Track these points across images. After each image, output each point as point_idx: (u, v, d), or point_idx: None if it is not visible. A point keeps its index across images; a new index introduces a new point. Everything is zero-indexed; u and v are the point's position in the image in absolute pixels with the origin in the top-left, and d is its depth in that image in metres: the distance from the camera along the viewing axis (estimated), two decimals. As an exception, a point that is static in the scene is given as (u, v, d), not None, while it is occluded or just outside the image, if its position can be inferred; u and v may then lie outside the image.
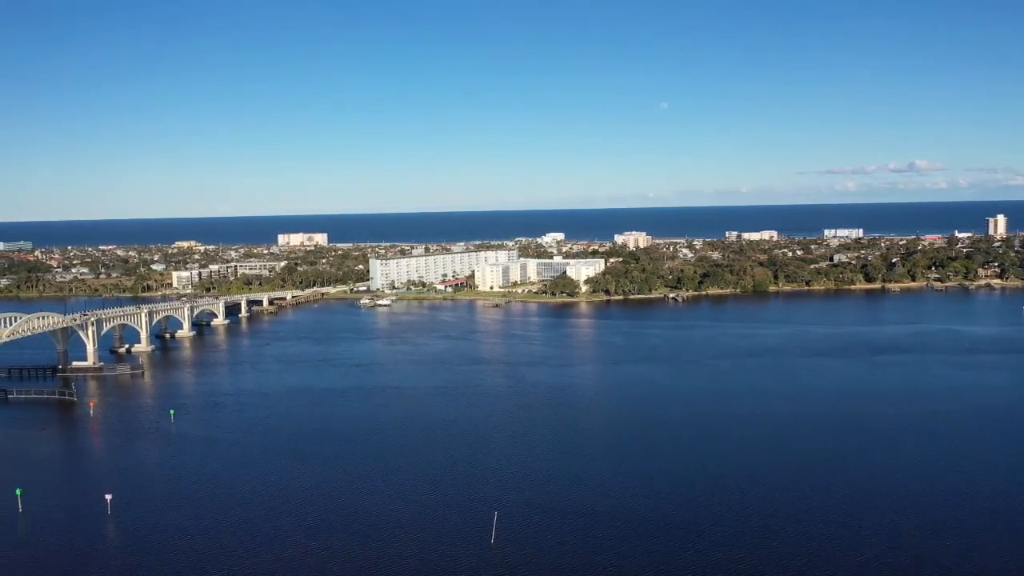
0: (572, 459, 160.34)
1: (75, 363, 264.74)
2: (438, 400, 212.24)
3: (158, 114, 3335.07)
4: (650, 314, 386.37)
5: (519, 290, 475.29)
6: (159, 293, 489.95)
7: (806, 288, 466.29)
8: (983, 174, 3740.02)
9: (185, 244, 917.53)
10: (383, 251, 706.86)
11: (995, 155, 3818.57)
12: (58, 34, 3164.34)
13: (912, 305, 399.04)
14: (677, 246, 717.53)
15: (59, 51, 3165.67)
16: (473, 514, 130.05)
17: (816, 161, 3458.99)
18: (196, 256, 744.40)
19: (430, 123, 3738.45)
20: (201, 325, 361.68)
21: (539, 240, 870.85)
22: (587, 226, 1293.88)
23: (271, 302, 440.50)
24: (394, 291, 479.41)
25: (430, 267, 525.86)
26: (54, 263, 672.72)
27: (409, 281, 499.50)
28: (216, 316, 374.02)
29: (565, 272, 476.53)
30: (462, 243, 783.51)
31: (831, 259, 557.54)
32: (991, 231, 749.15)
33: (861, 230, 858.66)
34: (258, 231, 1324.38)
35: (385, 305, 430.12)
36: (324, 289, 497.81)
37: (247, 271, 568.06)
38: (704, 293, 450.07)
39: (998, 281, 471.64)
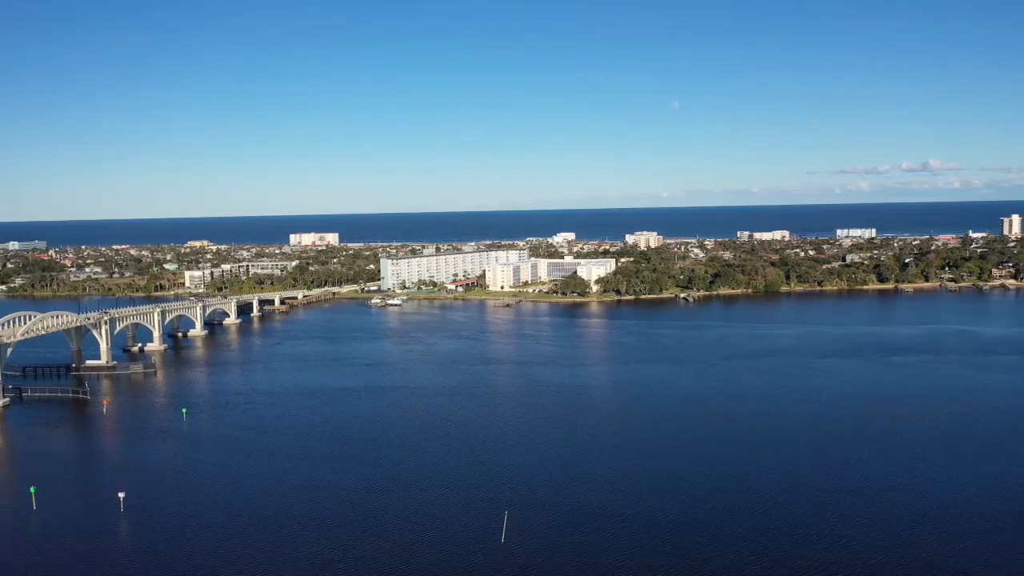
0: (582, 459, 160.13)
1: (88, 362, 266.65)
2: (449, 400, 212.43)
3: (171, 115, 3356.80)
4: (661, 314, 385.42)
5: (530, 290, 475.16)
6: (172, 292, 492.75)
7: (818, 288, 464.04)
8: (998, 174, 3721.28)
9: (198, 244, 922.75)
10: (394, 251, 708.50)
11: (1010, 155, 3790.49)
12: (75, 35, 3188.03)
13: (926, 306, 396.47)
14: (688, 246, 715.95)
15: (76, 52, 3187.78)
16: (483, 513, 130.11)
17: (828, 161, 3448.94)
18: (208, 256, 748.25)
19: (442, 123, 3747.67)
20: (213, 324, 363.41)
21: (550, 240, 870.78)
22: (598, 226, 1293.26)
23: (283, 301, 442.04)
24: (405, 291, 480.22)
25: (441, 267, 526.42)
26: (68, 262, 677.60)
27: (420, 281, 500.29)
28: (228, 315, 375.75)
29: (576, 272, 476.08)
30: (473, 243, 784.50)
31: (843, 259, 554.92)
32: (1006, 231, 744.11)
33: (874, 230, 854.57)
34: (270, 231, 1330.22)
35: (396, 305, 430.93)
36: (335, 289, 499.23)
37: (259, 271, 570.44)
38: (715, 293, 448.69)
39: (1013, 282, 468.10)
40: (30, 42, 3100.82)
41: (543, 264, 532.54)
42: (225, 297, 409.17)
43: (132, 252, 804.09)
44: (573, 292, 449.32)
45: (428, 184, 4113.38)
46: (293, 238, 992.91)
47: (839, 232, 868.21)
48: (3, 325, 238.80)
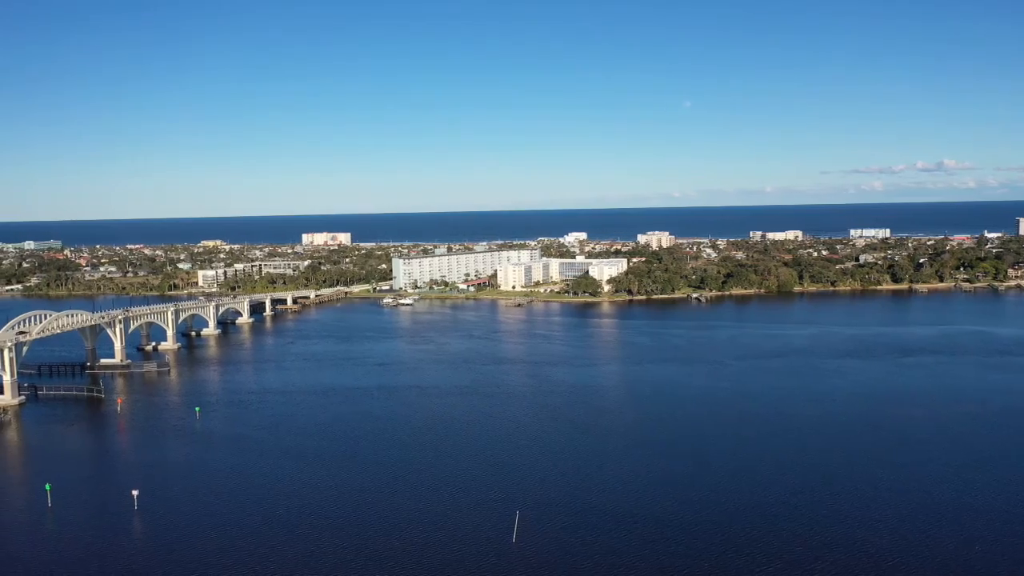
0: (594, 459, 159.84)
1: (103, 360, 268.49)
2: (460, 399, 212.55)
3: (185, 115, 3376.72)
4: (673, 314, 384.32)
5: (541, 290, 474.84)
6: (185, 292, 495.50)
7: (831, 289, 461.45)
8: (1013, 173, 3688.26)
9: (211, 243, 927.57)
10: (406, 250, 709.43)
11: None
12: (87, 35, 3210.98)
13: (940, 306, 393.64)
14: (700, 246, 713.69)
15: (88, 53, 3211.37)
16: (495, 513, 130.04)
17: (841, 160, 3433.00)
18: (221, 255, 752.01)
19: (454, 123, 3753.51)
20: (226, 323, 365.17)
21: (561, 240, 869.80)
22: (610, 226, 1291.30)
23: (295, 301, 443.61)
24: (417, 290, 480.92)
25: (452, 266, 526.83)
26: (83, 262, 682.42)
27: (432, 280, 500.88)
28: (241, 315, 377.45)
29: (588, 272, 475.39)
30: (484, 243, 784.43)
31: (857, 259, 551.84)
32: (1021, 231, 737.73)
33: (888, 230, 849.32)
34: (282, 230, 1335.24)
35: (408, 304, 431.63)
36: (347, 288, 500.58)
37: (271, 270, 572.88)
38: (728, 293, 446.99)
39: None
40: (42, 42, 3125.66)
41: (555, 264, 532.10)
42: (232, 297, 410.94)
43: (146, 252, 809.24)
44: (585, 292, 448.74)
45: (440, 184, 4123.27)
46: (305, 238, 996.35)
47: (852, 232, 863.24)
48: (19, 324, 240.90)
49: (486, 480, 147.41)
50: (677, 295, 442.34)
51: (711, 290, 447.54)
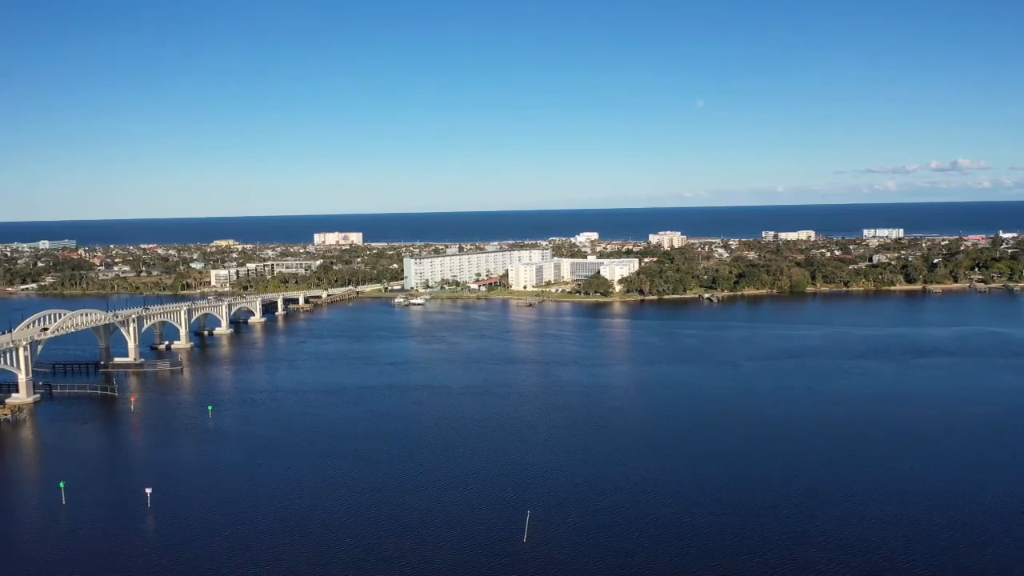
0: (606, 459, 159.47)
1: (117, 359, 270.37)
2: (472, 399, 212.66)
3: (198, 116, 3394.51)
4: (685, 314, 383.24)
5: (553, 289, 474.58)
6: (198, 291, 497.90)
7: (844, 289, 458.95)
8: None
9: (223, 243, 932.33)
10: (417, 250, 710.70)
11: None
12: (101, 36, 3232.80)
13: (954, 307, 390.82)
14: (712, 246, 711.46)
15: (102, 53, 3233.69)
16: (506, 513, 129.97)
17: (854, 160, 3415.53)
18: (234, 255, 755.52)
19: (465, 123, 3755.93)
20: (239, 323, 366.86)
21: (573, 239, 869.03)
22: (621, 226, 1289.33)
23: (307, 300, 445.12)
24: (428, 290, 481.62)
25: (464, 266, 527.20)
26: (97, 261, 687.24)
27: (443, 280, 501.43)
28: (253, 314, 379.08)
29: (599, 272, 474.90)
30: (496, 242, 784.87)
31: (870, 259, 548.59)
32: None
33: (902, 230, 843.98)
34: (294, 230, 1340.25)
35: (419, 304, 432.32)
36: (359, 288, 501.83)
37: (283, 270, 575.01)
38: (740, 293, 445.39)
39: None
40: (55, 43, 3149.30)
41: (566, 264, 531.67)
42: (242, 297, 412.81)
43: (159, 251, 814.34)
44: (596, 292, 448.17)
45: (452, 184, 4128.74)
46: (317, 237, 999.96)
47: (866, 232, 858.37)
48: (34, 323, 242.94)
49: (497, 480, 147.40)
50: (689, 295, 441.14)
51: (723, 290, 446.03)
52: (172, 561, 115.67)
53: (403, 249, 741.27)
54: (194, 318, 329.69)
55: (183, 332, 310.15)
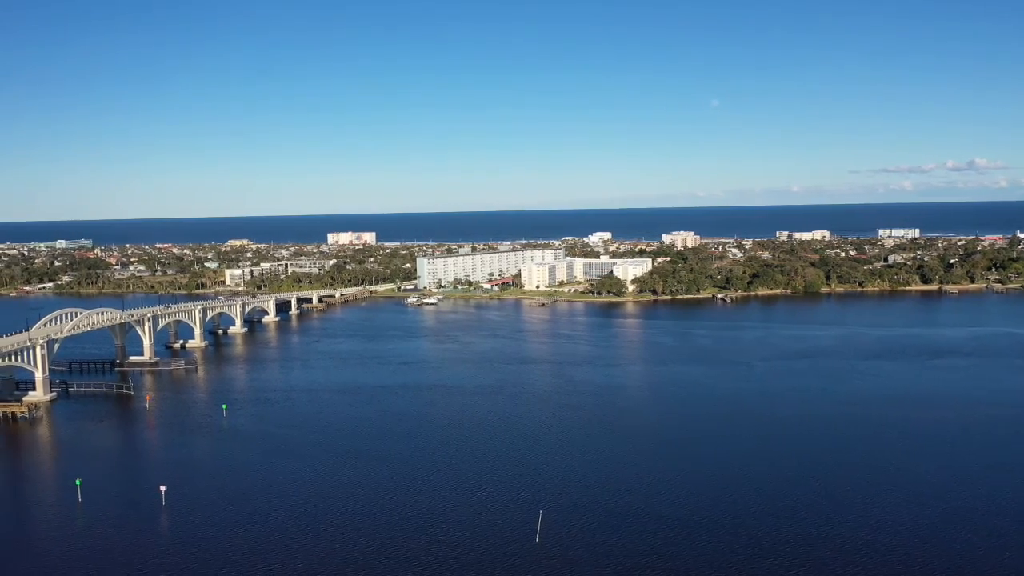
0: (618, 460, 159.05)
1: (132, 358, 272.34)
2: (485, 399, 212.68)
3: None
4: (698, 314, 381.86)
5: (565, 289, 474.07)
6: (212, 290, 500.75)
7: (859, 289, 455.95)
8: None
9: (238, 243, 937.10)
10: (430, 250, 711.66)
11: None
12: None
13: (971, 307, 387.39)
14: (726, 246, 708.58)
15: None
16: (519, 513, 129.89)
17: (870, 159, 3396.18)
18: (248, 254, 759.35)
19: (478, 123, 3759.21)
20: (253, 322, 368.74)
21: (586, 239, 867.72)
22: (634, 225, 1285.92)
23: (320, 300, 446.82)
24: (441, 290, 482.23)
25: (477, 266, 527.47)
26: (113, 261, 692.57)
27: (456, 280, 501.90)
28: (267, 313, 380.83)
29: (612, 272, 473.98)
30: (509, 242, 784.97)
31: (886, 260, 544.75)
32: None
33: (917, 230, 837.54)
34: (308, 230, 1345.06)
35: (432, 304, 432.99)
36: (372, 287, 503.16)
37: (297, 269, 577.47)
38: (753, 294, 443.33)
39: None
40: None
41: (579, 264, 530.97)
42: (256, 296, 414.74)
43: (174, 251, 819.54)
44: (609, 292, 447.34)
45: (465, 184, 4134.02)
46: (331, 237, 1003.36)
47: (881, 232, 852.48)
48: (51, 321, 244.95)
49: (510, 480, 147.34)
50: (702, 295, 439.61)
51: (737, 290, 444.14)
52: (186, 559, 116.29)
53: (416, 249, 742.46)
54: (208, 317, 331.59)
55: (198, 331, 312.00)
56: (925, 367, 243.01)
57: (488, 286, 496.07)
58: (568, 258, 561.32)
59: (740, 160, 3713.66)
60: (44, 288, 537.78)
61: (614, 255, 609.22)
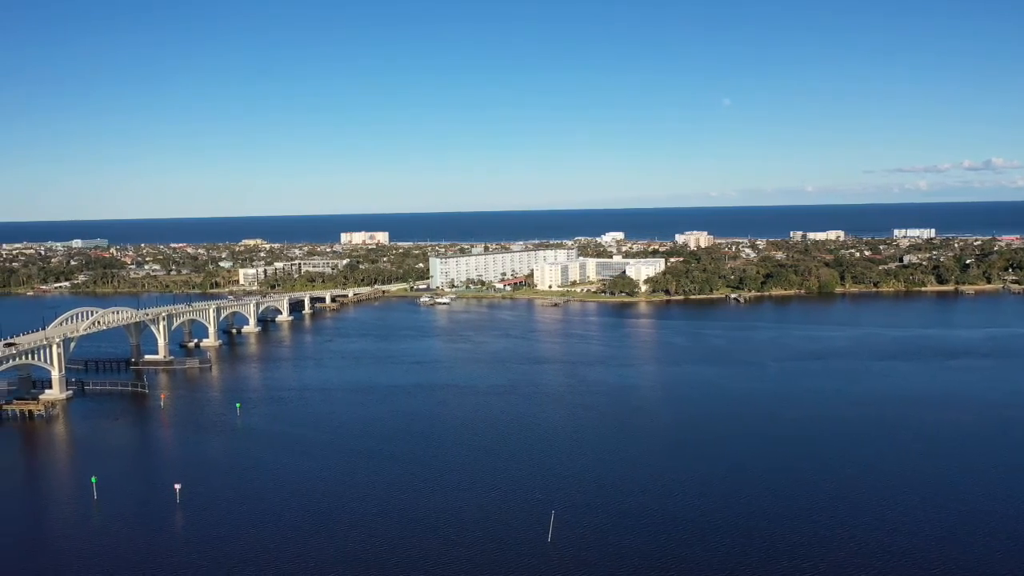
0: (631, 460, 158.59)
1: (147, 356, 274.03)
2: (497, 399, 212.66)
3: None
4: (711, 315, 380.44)
5: (578, 289, 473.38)
6: (226, 290, 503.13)
7: (874, 290, 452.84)
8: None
9: (251, 242, 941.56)
10: (443, 250, 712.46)
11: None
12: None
13: (987, 308, 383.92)
14: (739, 246, 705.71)
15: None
16: (531, 513, 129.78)
17: (885, 159, 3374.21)
18: (262, 254, 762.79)
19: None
20: (266, 321, 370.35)
21: (599, 239, 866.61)
22: (647, 225, 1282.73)
23: (333, 299, 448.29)
24: (453, 289, 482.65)
25: (489, 266, 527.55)
26: (128, 260, 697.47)
27: (468, 280, 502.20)
28: (281, 312, 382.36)
29: (625, 272, 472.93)
30: (521, 242, 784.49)
31: (901, 260, 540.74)
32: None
33: (933, 230, 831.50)
34: (321, 230, 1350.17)
35: (444, 303, 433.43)
36: (385, 287, 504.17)
37: (311, 269, 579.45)
38: (767, 294, 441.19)
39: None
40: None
41: (591, 264, 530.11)
42: (269, 296, 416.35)
43: (189, 250, 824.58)
44: (622, 292, 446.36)
45: (478, 184, 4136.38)
46: (344, 237, 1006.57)
47: (896, 232, 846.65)
48: (67, 320, 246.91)
49: (522, 480, 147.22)
50: (715, 295, 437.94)
51: (750, 290, 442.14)
52: (200, 557, 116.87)
53: (429, 249, 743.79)
54: (223, 316, 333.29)
55: (212, 330, 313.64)
56: (941, 368, 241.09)
57: (500, 286, 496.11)
58: (581, 258, 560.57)
59: (753, 160, 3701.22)
60: (60, 287, 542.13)
61: (627, 255, 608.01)
